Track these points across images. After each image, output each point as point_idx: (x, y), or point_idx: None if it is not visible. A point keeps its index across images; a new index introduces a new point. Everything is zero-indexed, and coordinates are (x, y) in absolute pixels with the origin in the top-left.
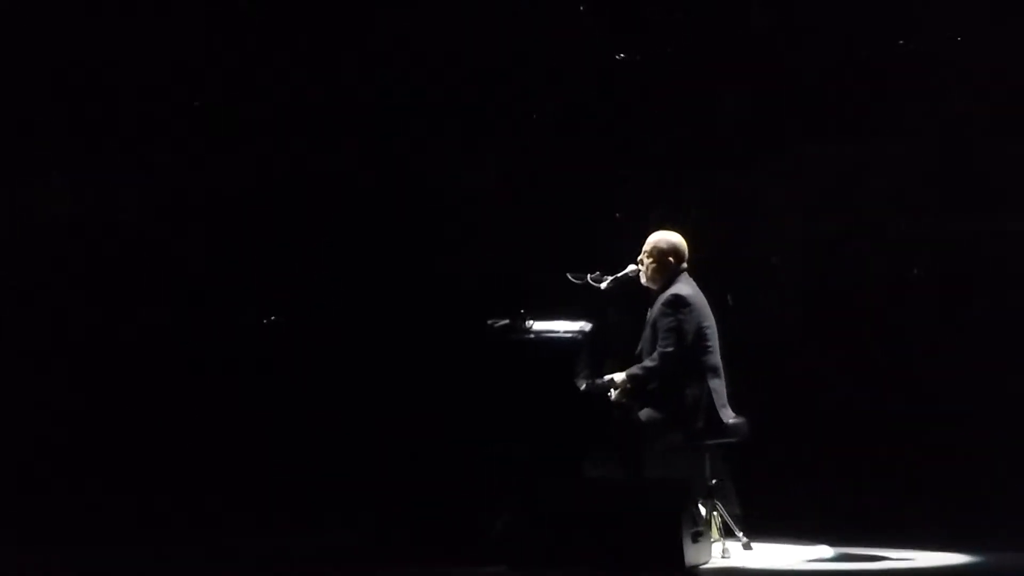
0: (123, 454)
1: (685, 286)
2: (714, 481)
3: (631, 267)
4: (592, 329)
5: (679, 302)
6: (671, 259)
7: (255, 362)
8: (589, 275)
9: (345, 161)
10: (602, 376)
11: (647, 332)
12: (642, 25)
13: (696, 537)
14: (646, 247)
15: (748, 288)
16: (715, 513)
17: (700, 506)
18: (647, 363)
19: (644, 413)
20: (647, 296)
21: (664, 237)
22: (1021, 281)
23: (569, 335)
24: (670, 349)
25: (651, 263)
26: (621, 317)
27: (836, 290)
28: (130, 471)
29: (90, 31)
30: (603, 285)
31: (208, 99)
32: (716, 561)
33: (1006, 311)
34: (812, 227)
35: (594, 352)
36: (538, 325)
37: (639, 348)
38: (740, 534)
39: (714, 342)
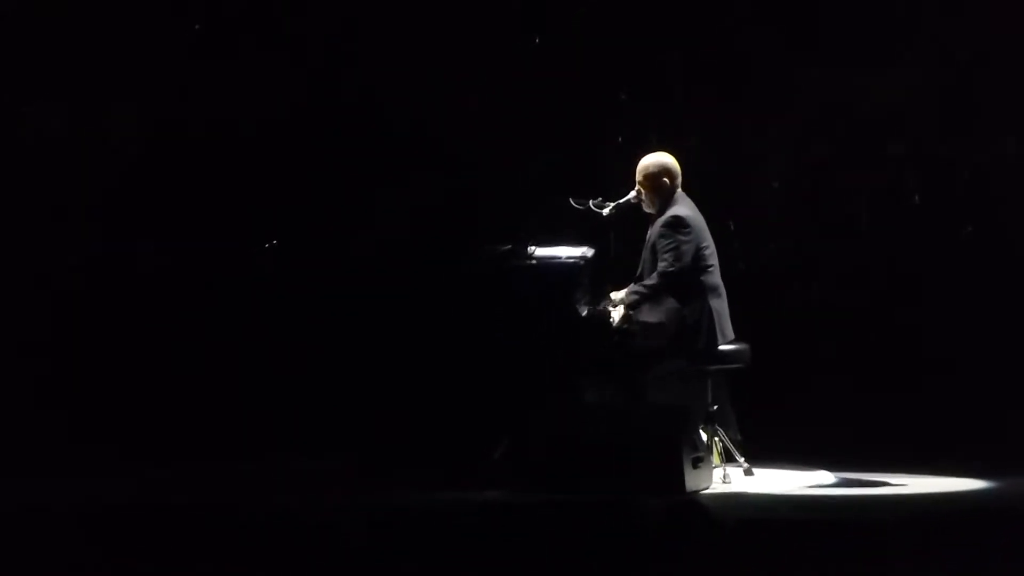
0: (112, 382)
1: (683, 207)
2: (715, 406)
3: (632, 193)
4: (593, 255)
5: (678, 223)
6: (665, 180)
7: (250, 287)
8: (591, 201)
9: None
10: (602, 301)
11: (646, 254)
12: None
13: (697, 462)
14: (638, 176)
15: (748, 213)
16: (716, 439)
17: (701, 431)
18: (647, 282)
19: (646, 337)
20: (648, 222)
21: (652, 161)
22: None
23: (571, 260)
24: (671, 269)
25: (646, 190)
26: (620, 245)
27: (835, 213)
28: (121, 398)
29: None
30: (605, 211)
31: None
32: (717, 486)
33: (1005, 233)
34: (808, 151)
35: (595, 277)
36: (540, 250)
37: (639, 270)
38: (741, 459)
39: (714, 262)
